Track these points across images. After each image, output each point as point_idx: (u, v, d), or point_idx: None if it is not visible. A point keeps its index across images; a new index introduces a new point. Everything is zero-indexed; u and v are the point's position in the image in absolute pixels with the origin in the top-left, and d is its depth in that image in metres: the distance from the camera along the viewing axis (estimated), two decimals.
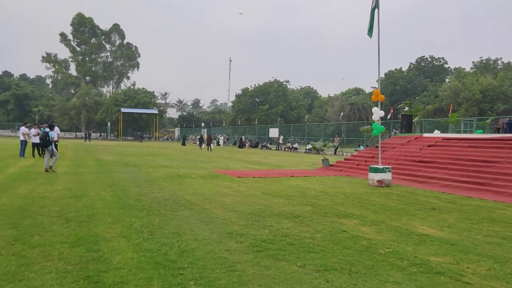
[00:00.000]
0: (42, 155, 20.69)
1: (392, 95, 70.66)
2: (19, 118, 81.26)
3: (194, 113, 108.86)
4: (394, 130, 34.59)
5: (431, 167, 14.75)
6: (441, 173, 13.79)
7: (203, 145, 39.60)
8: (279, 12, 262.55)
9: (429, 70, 76.67)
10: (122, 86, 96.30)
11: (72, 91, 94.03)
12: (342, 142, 40.49)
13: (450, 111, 33.33)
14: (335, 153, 36.84)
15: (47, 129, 14.28)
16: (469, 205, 9.47)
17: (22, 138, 20.65)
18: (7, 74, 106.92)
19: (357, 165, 17.80)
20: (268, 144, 51.16)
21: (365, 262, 4.93)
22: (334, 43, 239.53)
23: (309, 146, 39.98)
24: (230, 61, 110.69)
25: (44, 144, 13.94)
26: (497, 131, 20.53)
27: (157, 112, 61.19)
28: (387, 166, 12.92)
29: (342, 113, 55.98)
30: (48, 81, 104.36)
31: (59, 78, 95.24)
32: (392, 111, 40.15)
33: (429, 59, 77.31)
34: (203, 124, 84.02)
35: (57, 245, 5.23)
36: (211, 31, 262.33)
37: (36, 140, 20.80)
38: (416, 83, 72.22)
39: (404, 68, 77.22)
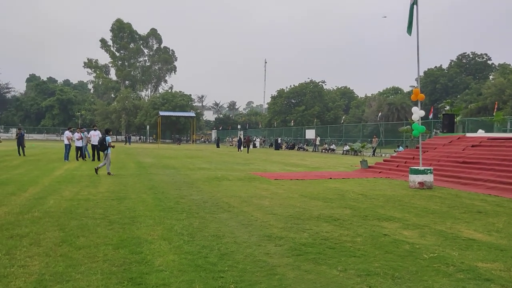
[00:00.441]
0: (85, 159, 21.43)
1: (432, 94, 68.62)
2: (64, 123, 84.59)
3: (230, 115, 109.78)
4: (435, 130, 33.56)
5: (475, 168, 14.19)
6: (487, 174, 13.23)
7: (242, 147, 39.98)
8: (313, 11, 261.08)
9: (471, 67, 73.89)
10: (160, 90, 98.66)
11: (112, 95, 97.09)
12: (380, 143, 39.68)
13: (495, 110, 32.00)
14: (373, 154, 36.15)
15: (98, 133, 14.96)
16: None
17: (66, 142, 21.45)
18: (51, 80, 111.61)
19: (397, 166, 17.37)
20: (305, 145, 50.81)
21: (408, 267, 4.79)
22: (369, 40, 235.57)
23: (347, 148, 39.42)
24: (266, 62, 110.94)
25: (101, 148, 14.70)
26: None
27: (194, 115, 62.20)
28: (429, 168, 12.54)
29: (380, 113, 54.95)
30: (90, 86, 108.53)
31: (100, 83, 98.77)
32: (432, 110, 38.96)
33: (471, 56, 74.51)
34: (239, 126, 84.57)
35: (101, 246, 5.38)
36: (248, 33, 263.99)
37: (80, 144, 21.60)
38: (457, 81, 69.80)
39: (445, 66, 74.87)
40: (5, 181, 12.01)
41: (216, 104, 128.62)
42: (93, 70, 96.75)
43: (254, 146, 54.90)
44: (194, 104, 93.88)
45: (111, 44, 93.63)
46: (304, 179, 14.57)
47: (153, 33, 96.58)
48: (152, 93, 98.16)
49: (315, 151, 44.75)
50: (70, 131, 22.33)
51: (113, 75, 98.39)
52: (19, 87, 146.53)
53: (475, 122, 31.85)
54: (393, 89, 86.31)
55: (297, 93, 78.96)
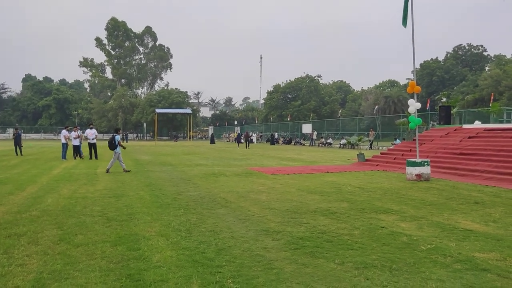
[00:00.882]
0: (82, 157, 21.39)
1: (428, 86, 68.70)
2: (61, 122, 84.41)
3: (227, 112, 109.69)
4: (432, 122, 33.64)
5: (472, 159, 14.24)
6: (484, 165, 13.28)
7: (241, 143, 40.14)
8: (308, 6, 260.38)
9: (467, 58, 74.00)
10: (156, 87, 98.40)
11: (109, 93, 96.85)
12: (377, 136, 39.75)
13: (492, 101, 32.00)
14: (370, 147, 36.20)
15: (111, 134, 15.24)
16: None
17: (63, 141, 21.41)
18: (47, 79, 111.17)
19: (394, 159, 17.41)
20: (302, 140, 50.85)
21: (406, 259, 4.80)
22: (365, 34, 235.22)
23: (344, 141, 39.46)
24: (261, 58, 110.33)
25: (110, 146, 14.91)
26: None
27: (191, 112, 62.00)
28: (426, 160, 12.56)
29: (376, 107, 54.88)
30: (86, 85, 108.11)
31: (96, 81, 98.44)
32: (429, 102, 39.00)
33: (467, 47, 74.61)
34: (235, 122, 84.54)
35: (99, 244, 5.38)
36: (241, 29, 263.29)
37: (77, 142, 21.55)
38: (454, 72, 69.91)
39: (441, 58, 74.95)
40: (3, 181, 12.00)
41: (213, 101, 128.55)
42: (89, 69, 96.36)
43: (251, 141, 54.90)
44: (190, 101, 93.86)
45: (106, 43, 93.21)
46: (301, 173, 14.58)
47: (148, 31, 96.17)
48: (148, 91, 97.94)
49: (312, 145, 44.79)
50: (67, 130, 22.28)
51: (109, 73, 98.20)
52: (15, 87, 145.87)
53: (472, 114, 31.91)
54: (390, 82, 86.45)
55: (293, 88, 78.91)
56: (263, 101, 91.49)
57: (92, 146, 21.61)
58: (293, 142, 51.00)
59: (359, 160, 18.93)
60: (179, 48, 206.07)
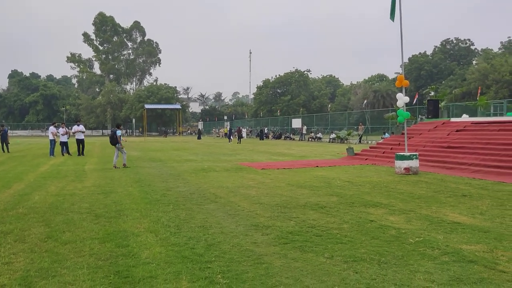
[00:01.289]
0: (71, 154, 21.17)
1: (417, 80, 69.16)
2: (48, 118, 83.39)
3: (216, 107, 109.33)
4: (420, 116, 33.88)
5: (460, 152, 14.39)
6: (471, 158, 13.42)
7: (233, 138, 40.23)
8: (296, 2, 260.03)
9: (455, 53, 74.58)
10: (145, 83, 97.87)
11: (97, 89, 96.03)
12: (366, 130, 39.97)
13: (479, 94, 32.33)
14: (359, 141, 36.39)
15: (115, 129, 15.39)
16: (502, 190, 9.18)
17: (51, 137, 21.17)
18: (34, 75, 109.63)
19: (383, 153, 17.52)
20: (292, 135, 50.94)
21: (394, 252, 4.84)
22: (354, 29, 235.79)
23: (333, 136, 39.62)
24: (250, 53, 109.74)
25: (112, 142, 15.00)
26: None
27: (180, 107, 61.79)
28: (414, 153, 12.66)
29: (365, 101, 55.29)
30: (74, 80, 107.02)
31: (84, 77, 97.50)
32: (417, 96, 39.28)
33: (455, 42, 75.17)
34: (225, 117, 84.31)
35: (87, 241, 5.33)
36: (231, 24, 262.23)
37: (65, 139, 21.31)
38: (442, 67, 70.44)
39: (429, 52, 75.42)
40: None
41: (202, 96, 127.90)
42: (76, 64, 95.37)
43: (242, 136, 54.82)
44: (179, 96, 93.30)
45: (94, 38, 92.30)
46: (291, 168, 14.61)
47: (137, 25, 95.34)
48: (137, 86, 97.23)
49: (301, 140, 44.90)
50: (55, 127, 22.03)
51: (97, 69, 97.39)
52: (1, 83, 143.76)
53: (460, 107, 32.25)
54: (379, 76, 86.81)
55: (282, 82, 78.81)
56: (253, 96, 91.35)
57: (80, 142, 21.39)
58: (283, 137, 51.07)
59: (349, 154, 19.02)
60: (168, 43, 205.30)
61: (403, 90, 13.55)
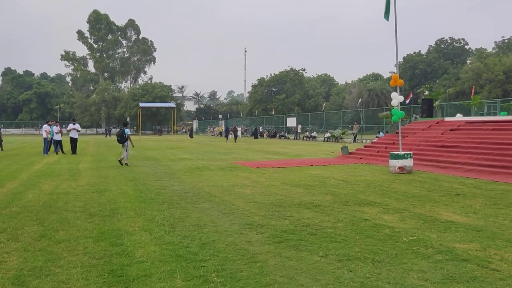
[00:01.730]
0: (65, 153, 21.06)
1: (411, 79, 69.39)
2: (42, 116, 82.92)
3: (211, 105, 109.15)
4: (414, 115, 33.99)
5: (454, 151, 14.46)
6: (465, 157, 13.50)
7: (230, 137, 40.32)
8: (292, 1, 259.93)
9: (449, 52, 74.85)
10: (140, 81, 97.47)
11: (91, 87, 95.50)
12: (361, 129, 40.06)
13: (473, 94, 32.51)
14: (354, 140, 36.47)
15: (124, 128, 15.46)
16: (495, 189, 9.25)
17: (45, 136, 21.06)
18: (28, 73, 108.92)
19: (377, 152, 17.58)
20: (286, 133, 50.96)
21: (388, 250, 4.86)
22: (349, 28, 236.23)
23: (328, 135, 39.67)
24: (245, 51, 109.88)
25: (121, 140, 15.08)
26: None
27: (175, 106, 61.55)
28: (408, 152, 12.71)
29: (360, 100, 55.36)
30: (68, 78, 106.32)
31: (78, 75, 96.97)
32: (411, 95, 39.39)
33: (449, 41, 75.44)
34: (220, 116, 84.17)
35: (81, 240, 5.31)
36: (226, 23, 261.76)
37: (58, 137, 21.20)
38: (436, 66, 70.68)
39: (423, 51, 75.65)
40: None
41: (197, 94, 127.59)
42: (70, 62, 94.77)
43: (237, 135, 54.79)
44: (174, 95, 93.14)
45: (89, 36, 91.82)
46: (285, 166, 14.62)
47: (131, 24, 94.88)
48: (131, 85, 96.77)
49: (296, 139, 44.93)
50: (49, 125, 21.90)
51: (91, 67, 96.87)
52: None
53: (454, 107, 32.38)
54: (373, 75, 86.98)
55: (277, 81, 78.82)
56: (248, 94, 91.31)
57: (73, 140, 21.27)
58: (277, 135, 51.08)
59: (343, 153, 19.06)
60: (163, 41, 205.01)
61: (398, 89, 13.59)
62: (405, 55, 74.29)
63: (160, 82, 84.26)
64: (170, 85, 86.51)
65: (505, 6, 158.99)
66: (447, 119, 20.38)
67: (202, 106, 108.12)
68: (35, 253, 4.77)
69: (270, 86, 79.95)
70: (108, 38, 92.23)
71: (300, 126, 47.60)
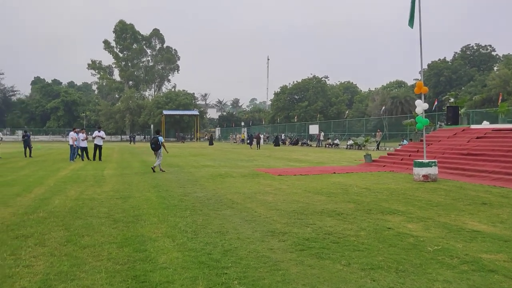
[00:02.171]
0: (90, 159, 21.50)
1: (436, 86, 68.21)
2: (69, 124, 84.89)
3: (234, 113, 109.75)
4: (439, 122, 33.40)
5: (480, 160, 14.13)
6: (492, 166, 13.16)
7: (253, 144, 40.67)
8: (314, 7, 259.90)
9: (476, 58, 73.41)
10: (164, 89, 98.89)
11: (117, 95, 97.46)
12: (384, 136, 39.56)
13: (500, 101, 31.70)
14: (377, 148, 36.03)
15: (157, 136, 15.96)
16: None
17: (71, 143, 21.55)
18: (56, 82, 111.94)
19: (401, 160, 17.32)
20: (309, 141, 50.74)
21: (412, 260, 4.78)
22: (373, 35, 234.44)
23: (351, 142, 39.29)
24: (268, 59, 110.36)
25: (155, 147, 15.50)
26: None
27: (198, 113, 62.24)
28: (433, 160, 12.49)
29: (383, 107, 54.71)
30: (94, 87, 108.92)
31: (104, 84, 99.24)
32: (436, 102, 38.72)
33: (475, 47, 74.04)
34: (242, 123, 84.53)
35: (106, 245, 5.41)
36: (249, 30, 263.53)
37: (84, 144, 21.67)
38: (461, 73, 69.35)
39: (449, 58, 74.42)
40: (10, 182, 12.11)
41: (220, 102, 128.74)
42: (97, 71, 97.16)
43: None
44: (197, 103, 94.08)
45: (114, 45, 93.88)
46: (307, 174, 14.56)
47: (156, 33, 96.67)
48: (155, 93, 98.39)
49: (318, 146, 44.69)
50: (75, 132, 22.41)
51: (116, 75, 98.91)
52: (24, 90, 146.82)
53: (480, 114, 31.65)
54: (397, 82, 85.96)
55: (300, 89, 78.76)
56: (270, 102, 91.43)
57: (97, 147, 21.65)
58: (299, 143, 50.90)
59: (366, 161, 18.86)
60: (187, 49, 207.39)
61: (422, 97, 13.40)
62: (430, 62, 73.22)
63: (183, 90, 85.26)
64: (193, 93, 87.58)
65: None
66: (473, 126, 19.95)
67: (224, 113, 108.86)
68: (61, 258, 4.88)
69: (292, 94, 79.96)
70: (133, 47, 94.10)
71: (322, 134, 47.34)
